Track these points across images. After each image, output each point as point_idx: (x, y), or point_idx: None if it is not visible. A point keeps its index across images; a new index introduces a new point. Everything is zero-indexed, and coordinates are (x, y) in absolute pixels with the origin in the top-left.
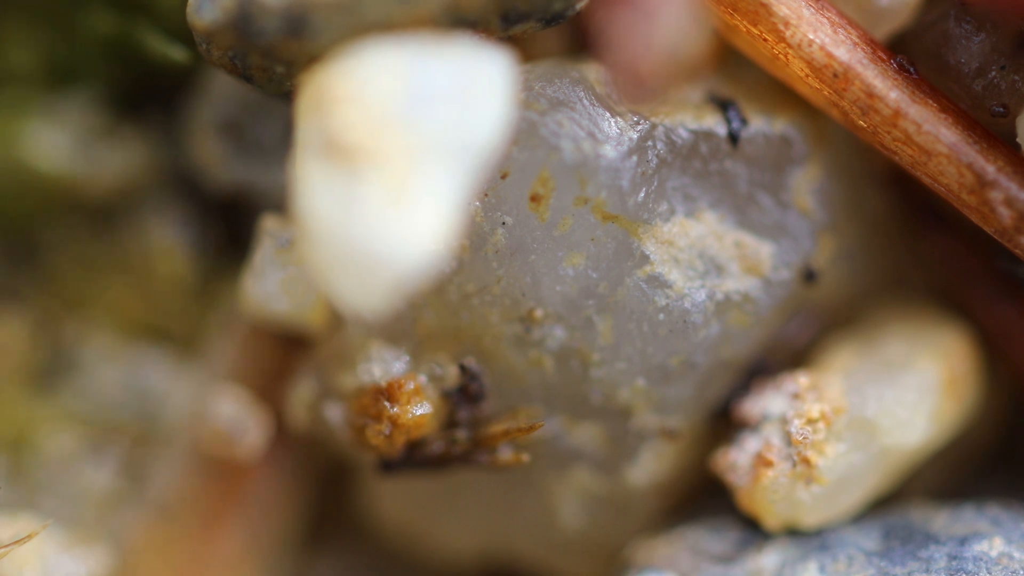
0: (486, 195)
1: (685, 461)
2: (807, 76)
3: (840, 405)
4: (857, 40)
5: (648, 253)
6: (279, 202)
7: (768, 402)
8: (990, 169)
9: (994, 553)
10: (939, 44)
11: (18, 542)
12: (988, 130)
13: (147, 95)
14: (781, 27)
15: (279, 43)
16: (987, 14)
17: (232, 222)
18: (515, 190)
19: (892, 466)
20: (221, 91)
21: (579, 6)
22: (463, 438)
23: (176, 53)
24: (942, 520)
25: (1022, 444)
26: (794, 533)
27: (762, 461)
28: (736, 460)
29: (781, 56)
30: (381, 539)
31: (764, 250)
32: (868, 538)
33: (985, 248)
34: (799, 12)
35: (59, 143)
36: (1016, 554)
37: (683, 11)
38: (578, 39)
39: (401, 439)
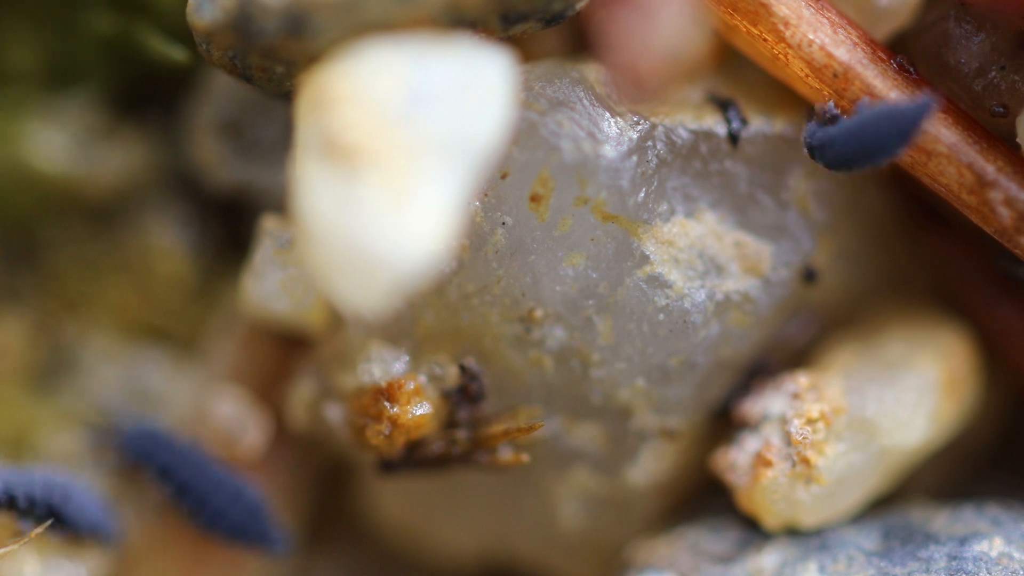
0: (486, 195)
1: (685, 461)
2: (807, 76)
3: (840, 405)
4: (857, 40)
5: (648, 253)
6: (279, 202)
7: (768, 402)
8: (990, 169)
9: (994, 553)
10: (939, 44)
11: (18, 542)
12: (988, 130)
13: (147, 95)
14: (781, 27)
15: (279, 43)
16: (987, 14)
17: (232, 222)
18: (515, 190)
19: (892, 466)
20: (221, 91)
21: (579, 6)
22: (463, 438)
23: (176, 53)
24: (942, 520)
25: (1022, 444)
26: (794, 533)
27: (762, 461)
28: (736, 460)
29: (781, 56)
30: (381, 539)
31: (764, 250)
32: (868, 538)
33: (985, 248)
34: (799, 12)
35: (59, 143)
36: (1016, 554)
37: (683, 11)
38: (578, 39)
39: (401, 439)
